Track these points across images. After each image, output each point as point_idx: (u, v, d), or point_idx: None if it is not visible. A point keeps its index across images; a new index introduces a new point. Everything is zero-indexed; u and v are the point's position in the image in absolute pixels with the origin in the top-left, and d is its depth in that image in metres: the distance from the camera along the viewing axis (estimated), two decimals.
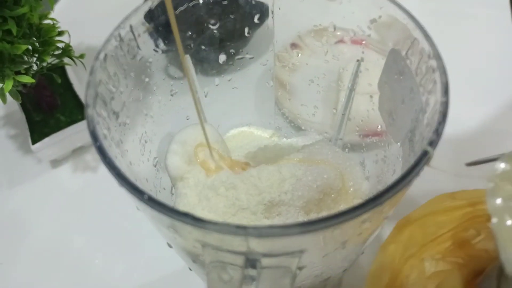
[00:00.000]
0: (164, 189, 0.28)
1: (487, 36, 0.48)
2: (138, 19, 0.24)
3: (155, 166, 0.27)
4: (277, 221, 0.25)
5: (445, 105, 0.19)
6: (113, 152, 0.19)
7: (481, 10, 0.50)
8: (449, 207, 0.27)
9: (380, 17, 0.25)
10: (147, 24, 0.25)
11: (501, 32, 0.47)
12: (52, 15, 0.39)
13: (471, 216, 0.26)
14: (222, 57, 0.31)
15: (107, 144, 0.19)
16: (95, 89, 0.20)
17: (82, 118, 0.41)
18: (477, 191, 0.28)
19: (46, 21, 0.38)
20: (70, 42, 0.40)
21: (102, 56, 0.21)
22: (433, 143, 0.18)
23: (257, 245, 0.17)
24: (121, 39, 0.23)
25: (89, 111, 0.19)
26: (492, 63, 0.45)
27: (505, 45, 0.47)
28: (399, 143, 0.25)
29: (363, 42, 0.28)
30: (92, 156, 0.42)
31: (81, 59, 0.41)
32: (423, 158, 0.18)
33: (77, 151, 0.43)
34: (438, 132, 0.18)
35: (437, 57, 0.21)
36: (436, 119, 0.19)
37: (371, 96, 0.28)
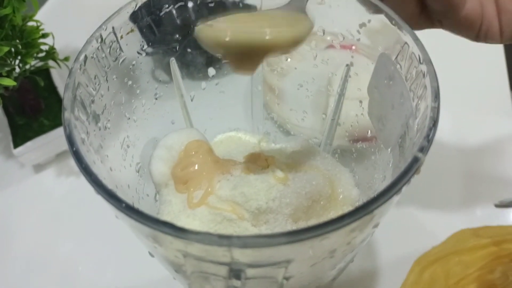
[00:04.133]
0: (148, 195, 0.27)
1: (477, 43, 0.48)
2: (121, 21, 0.23)
3: (138, 171, 0.27)
4: (265, 229, 0.25)
5: (435, 111, 0.19)
6: (91, 157, 0.19)
7: None
8: (473, 245, 0.26)
9: (369, 21, 0.24)
10: (131, 25, 0.24)
11: None
12: (38, 17, 0.38)
13: (496, 256, 0.25)
14: (212, 71, 0.30)
15: (84, 149, 0.18)
16: (74, 92, 0.19)
17: None
18: (502, 228, 0.27)
19: (30, 23, 0.37)
20: (54, 44, 0.39)
21: (82, 57, 0.20)
22: (423, 150, 0.18)
23: (241, 255, 0.16)
24: (103, 41, 0.22)
25: (66, 115, 0.18)
26: (481, 69, 0.45)
27: (494, 52, 0.47)
28: (389, 149, 0.24)
29: (353, 47, 0.27)
30: None
31: (66, 62, 0.40)
32: (413, 165, 0.17)
33: (61, 156, 0.42)
34: (428, 138, 0.18)
35: (428, 62, 0.20)
36: (427, 124, 0.18)
37: (360, 101, 0.28)
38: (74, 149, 0.17)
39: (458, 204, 0.36)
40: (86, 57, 0.21)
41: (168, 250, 0.18)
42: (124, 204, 0.16)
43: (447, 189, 0.37)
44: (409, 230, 0.34)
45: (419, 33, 0.22)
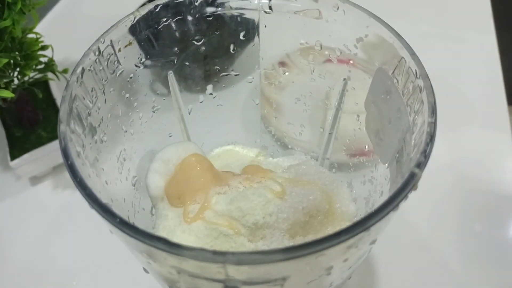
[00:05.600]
0: (144, 209, 0.27)
1: (474, 59, 0.49)
2: (119, 34, 0.23)
3: (134, 185, 0.26)
4: (261, 244, 0.24)
5: (432, 126, 0.19)
6: (86, 170, 0.18)
7: (469, 33, 0.51)
8: None
9: (366, 36, 0.24)
10: (130, 38, 0.24)
11: (487, 55, 0.48)
12: (38, 29, 0.38)
13: None
14: (210, 88, 0.30)
15: (79, 162, 0.18)
16: (70, 104, 0.19)
17: None
18: None
19: (30, 35, 0.37)
20: (53, 56, 0.39)
21: (79, 70, 0.20)
22: (420, 165, 0.18)
23: (236, 272, 0.16)
24: (100, 53, 0.22)
25: (62, 128, 0.18)
26: (478, 85, 0.46)
27: (491, 67, 0.47)
28: (386, 164, 0.24)
29: (350, 62, 0.27)
30: None
31: (64, 74, 0.40)
32: (410, 181, 0.17)
33: (58, 168, 0.41)
34: (425, 154, 0.18)
35: (424, 76, 0.20)
36: (424, 140, 0.18)
37: (358, 116, 0.28)
38: (69, 162, 0.17)
39: (456, 221, 0.35)
40: (83, 69, 0.21)
41: (162, 266, 0.18)
42: (118, 219, 0.15)
43: (445, 205, 0.36)
44: (407, 247, 0.34)
45: (416, 48, 0.22)
